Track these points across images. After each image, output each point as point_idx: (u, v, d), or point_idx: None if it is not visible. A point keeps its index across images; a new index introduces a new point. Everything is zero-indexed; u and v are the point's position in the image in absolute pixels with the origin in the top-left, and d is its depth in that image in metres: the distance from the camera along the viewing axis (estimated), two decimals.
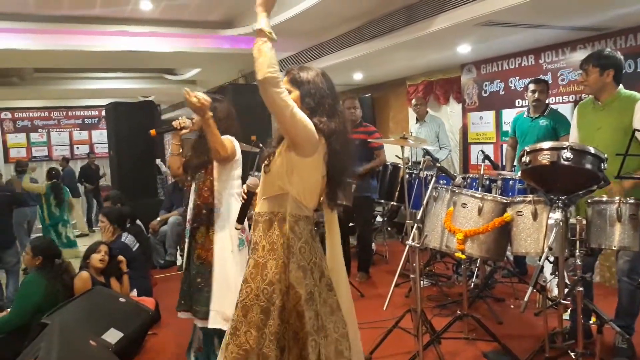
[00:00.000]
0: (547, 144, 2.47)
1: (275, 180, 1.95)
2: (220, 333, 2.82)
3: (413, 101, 6.25)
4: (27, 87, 10.34)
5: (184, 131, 2.87)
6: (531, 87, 4.34)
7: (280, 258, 1.92)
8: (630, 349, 3.04)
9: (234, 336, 1.94)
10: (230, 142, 2.80)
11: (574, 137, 3.22)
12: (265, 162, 2.00)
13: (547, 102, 4.46)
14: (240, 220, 2.30)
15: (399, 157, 5.50)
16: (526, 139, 4.36)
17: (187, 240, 2.92)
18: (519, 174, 2.71)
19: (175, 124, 2.85)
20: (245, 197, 2.19)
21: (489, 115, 6.15)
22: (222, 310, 2.68)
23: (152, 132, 2.89)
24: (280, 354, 1.91)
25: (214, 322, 2.71)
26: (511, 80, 5.75)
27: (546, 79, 4.62)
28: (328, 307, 2.02)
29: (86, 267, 3.83)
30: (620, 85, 3.02)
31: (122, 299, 3.69)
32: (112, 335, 3.23)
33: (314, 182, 1.98)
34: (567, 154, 2.34)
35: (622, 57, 3.03)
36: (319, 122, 1.93)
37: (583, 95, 3.67)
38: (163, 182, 7.55)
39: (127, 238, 4.52)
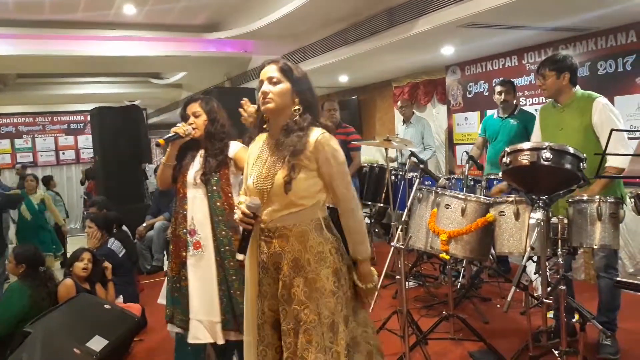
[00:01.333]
0: (526, 145, 2.50)
1: (306, 194, 1.85)
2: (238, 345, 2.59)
3: (399, 103, 6.30)
4: (11, 93, 10.24)
5: (187, 138, 2.66)
6: (497, 88, 4.52)
7: (333, 264, 1.85)
8: (614, 346, 3.08)
9: None
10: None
11: (537, 139, 3.30)
12: (286, 185, 1.82)
13: (515, 102, 4.59)
14: (243, 250, 1.95)
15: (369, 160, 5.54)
16: (497, 138, 4.51)
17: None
18: (500, 174, 2.75)
19: (180, 131, 2.63)
20: (252, 221, 1.88)
21: (474, 116, 6.20)
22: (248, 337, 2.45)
23: (161, 141, 2.63)
24: None
25: None
26: (495, 81, 5.76)
27: (512, 80, 4.73)
28: None
29: (70, 275, 3.79)
30: (577, 87, 3.12)
31: (107, 306, 3.66)
32: (97, 343, 3.18)
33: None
34: (546, 154, 2.36)
35: (575, 61, 3.14)
36: (313, 121, 1.89)
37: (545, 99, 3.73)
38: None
39: (114, 244, 4.49)
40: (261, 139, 2.01)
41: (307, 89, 1.91)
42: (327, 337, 1.79)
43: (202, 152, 2.70)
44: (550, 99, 3.24)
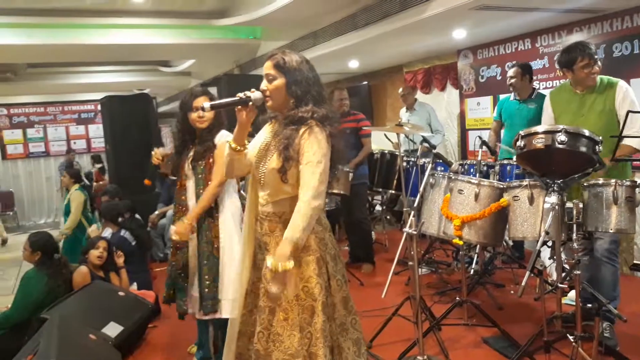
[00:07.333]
0: (541, 128, 2.47)
1: (293, 182, 1.90)
2: (216, 322, 2.85)
3: (400, 90, 6.15)
4: (22, 83, 10.28)
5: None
6: (508, 72, 4.47)
7: (315, 253, 1.93)
8: (613, 338, 3.02)
9: (276, 342, 1.89)
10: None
11: (547, 123, 3.25)
12: (282, 175, 1.90)
13: (531, 85, 4.50)
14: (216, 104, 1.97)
15: (391, 142, 5.46)
16: (514, 121, 4.43)
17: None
18: (514, 158, 2.71)
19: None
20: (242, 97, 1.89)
21: (487, 101, 6.12)
22: (234, 298, 2.65)
23: (147, 182, 3.04)
24: (330, 354, 1.91)
25: (227, 311, 2.64)
26: (508, 65, 5.68)
27: (527, 63, 4.63)
28: None
29: (85, 262, 3.83)
30: None
31: (121, 293, 3.70)
32: (112, 329, 3.24)
33: None
34: (561, 137, 2.34)
35: None
36: (306, 112, 1.90)
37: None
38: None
39: (126, 232, 4.52)
40: (270, 124, 2.08)
41: (303, 79, 1.93)
42: (303, 318, 1.88)
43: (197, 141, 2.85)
44: (563, 81, 3.20)
